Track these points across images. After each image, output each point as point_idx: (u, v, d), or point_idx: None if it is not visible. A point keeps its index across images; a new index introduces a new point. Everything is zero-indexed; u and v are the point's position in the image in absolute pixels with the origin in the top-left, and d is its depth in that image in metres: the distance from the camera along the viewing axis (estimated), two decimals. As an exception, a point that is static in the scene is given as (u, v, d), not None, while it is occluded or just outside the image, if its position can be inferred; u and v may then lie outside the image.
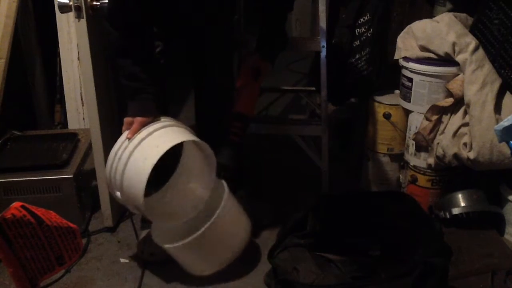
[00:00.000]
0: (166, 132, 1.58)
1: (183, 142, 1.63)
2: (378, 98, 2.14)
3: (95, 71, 1.79)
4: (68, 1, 1.69)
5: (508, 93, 1.80)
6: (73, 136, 2.17)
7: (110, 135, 1.95)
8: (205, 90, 1.94)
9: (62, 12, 1.73)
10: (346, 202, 1.79)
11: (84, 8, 1.69)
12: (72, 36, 2.31)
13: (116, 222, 2.04)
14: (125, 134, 1.58)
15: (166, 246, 1.61)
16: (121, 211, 2.10)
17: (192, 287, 1.73)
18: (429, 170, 1.99)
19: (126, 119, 1.59)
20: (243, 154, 1.89)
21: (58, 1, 1.70)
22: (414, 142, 2.00)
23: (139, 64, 1.57)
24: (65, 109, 2.46)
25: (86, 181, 2.01)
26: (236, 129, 1.79)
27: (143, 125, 1.57)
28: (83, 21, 1.71)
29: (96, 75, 1.80)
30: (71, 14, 1.72)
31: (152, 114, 1.60)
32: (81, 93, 2.38)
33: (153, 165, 1.47)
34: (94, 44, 1.77)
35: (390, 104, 2.10)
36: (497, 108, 1.78)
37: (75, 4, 1.68)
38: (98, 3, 1.74)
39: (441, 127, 1.91)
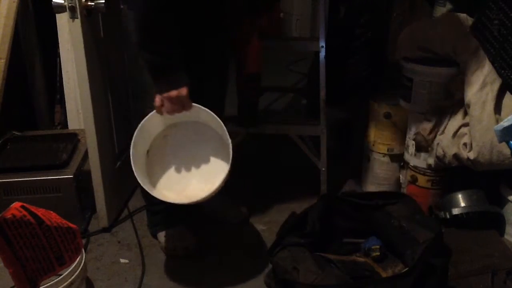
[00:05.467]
0: None
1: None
2: (378, 98, 2.14)
3: (89, 70, 1.79)
4: (62, 1, 1.69)
5: (508, 93, 1.80)
6: (73, 136, 2.17)
7: (106, 135, 1.95)
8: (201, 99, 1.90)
9: (57, 13, 1.73)
10: (346, 202, 1.79)
11: (78, 8, 1.69)
12: (72, 36, 2.32)
13: (112, 223, 2.04)
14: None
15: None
16: (117, 211, 2.10)
17: (192, 287, 1.73)
18: (429, 171, 1.99)
19: (158, 97, 1.55)
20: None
21: (53, 2, 1.70)
22: (414, 142, 2.00)
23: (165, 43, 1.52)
24: (65, 109, 2.46)
25: (86, 181, 2.01)
26: (251, 89, 1.97)
27: (176, 98, 1.54)
28: (77, 21, 1.71)
29: (91, 75, 1.80)
30: (71, 14, 1.72)
31: (181, 84, 1.53)
32: (81, 93, 2.39)
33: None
34: (89, 44, 1.77)
35: (390, 104, 2.10)
36: (497, 108, 1.78)
37: (69, 5, 1.69)
38: (93, 4, 1.75)
39: (441, 127, 1.91)
